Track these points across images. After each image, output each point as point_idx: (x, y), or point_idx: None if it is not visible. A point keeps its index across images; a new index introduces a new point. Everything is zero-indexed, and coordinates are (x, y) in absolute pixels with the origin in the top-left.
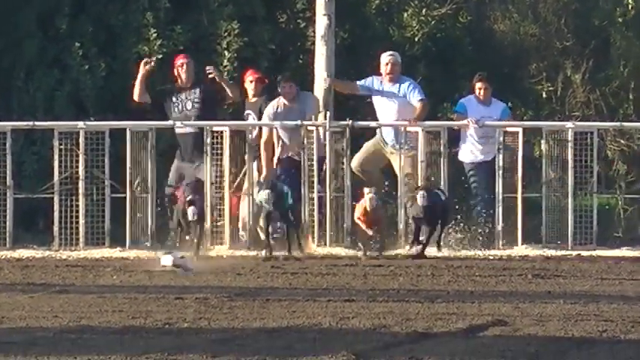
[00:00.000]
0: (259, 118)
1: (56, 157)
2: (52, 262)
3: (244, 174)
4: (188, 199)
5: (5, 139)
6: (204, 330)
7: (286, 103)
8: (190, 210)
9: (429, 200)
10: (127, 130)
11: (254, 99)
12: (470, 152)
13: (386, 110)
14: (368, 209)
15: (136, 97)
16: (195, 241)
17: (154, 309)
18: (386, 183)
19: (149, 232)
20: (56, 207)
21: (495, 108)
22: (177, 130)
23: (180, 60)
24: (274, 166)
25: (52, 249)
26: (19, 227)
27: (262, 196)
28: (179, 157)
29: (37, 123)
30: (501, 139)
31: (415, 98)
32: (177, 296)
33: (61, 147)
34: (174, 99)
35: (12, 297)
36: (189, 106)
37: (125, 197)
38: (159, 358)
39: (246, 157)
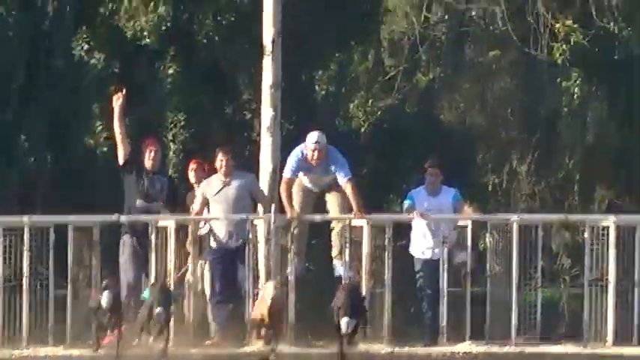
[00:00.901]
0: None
1: (0, 252)
2: None
3: (187, 269)
4: (103, 284)
5: None
6: None
7: (222, 178)
8: (105, 295)
9: (351, 323)
10: (69, 226)
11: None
12: (419, 246)
13: (311, 180)
14: (267, 299)
15: (121, 156)
16: (116, 337)
17: None
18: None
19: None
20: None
21: (445, 197)
22: (139, 204)
23: (151, 146)
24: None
25: None
26: None
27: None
28: (129, 245)
29: None
30: (446, 232)
31: (342, 179)
32: None
33: (5, 243)
34: (142, 173)
35: None
36: (157, 186)
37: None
38: None
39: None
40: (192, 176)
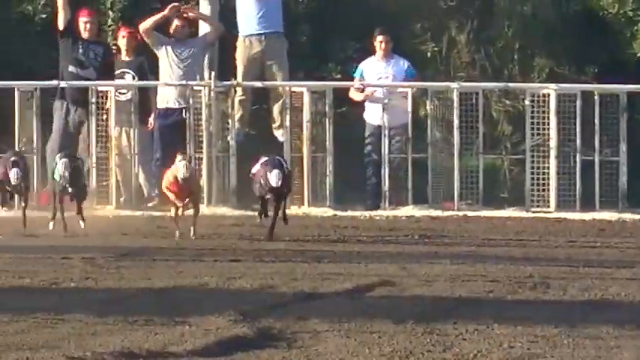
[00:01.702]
0: (140, 78)
1: None
2: None
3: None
4: (11, 159)
5: None
6: (91, 290)
7: (176, 43)
8: (13, 172)
9: (282, 179)
10: (16, 89)
11: (128, 57)
12: (371, 113)
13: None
14: (179, 178)
15: (61, 22)
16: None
17: (41, 269)
18: None
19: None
20: None
21: (396, 66)
22: (71, 69)
23: (85, 17)
24: None
25: None
26: None
27: (59, 166)
28: (60, 108)
29: None
30: (387, 100)
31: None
32: (64, 256)
33: None
34: (78, 41)
35: None
36: (91, 55)
37: None
38: (45, 318)
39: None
40: (123, 44)
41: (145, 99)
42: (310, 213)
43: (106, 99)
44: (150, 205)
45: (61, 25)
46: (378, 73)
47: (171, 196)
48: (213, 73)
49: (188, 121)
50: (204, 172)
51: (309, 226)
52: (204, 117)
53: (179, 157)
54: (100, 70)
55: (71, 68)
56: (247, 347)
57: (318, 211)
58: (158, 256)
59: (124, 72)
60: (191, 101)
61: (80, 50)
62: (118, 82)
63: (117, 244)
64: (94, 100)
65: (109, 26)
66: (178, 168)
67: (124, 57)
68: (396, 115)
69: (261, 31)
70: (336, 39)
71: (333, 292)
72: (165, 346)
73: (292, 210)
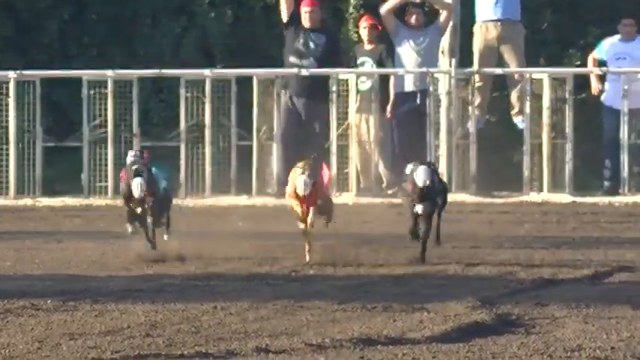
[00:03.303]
0: (379, 66)
1: (182, 104)
2: (177, 210)
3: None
4: (134, 168)
5: (132, 87)
6: (331, 277)
7: (415, 31)
8: (136, 182)
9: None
10: (254, 77)
11: (369, 46)
12: (611, 96)
13: None
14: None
15: (284, 14)
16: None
17: (281, 256)
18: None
19: (274, 180)
20: (182, 155)
21: (637, 47)
22: (292, 60)
23: (307, 7)
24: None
25: (178, 197)
26: None
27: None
28: (283, 101)
29: (163, 71)
30: (626, 85)
31: None
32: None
33: (188, 95)
34: (300, 31)
35: (140, 245)
36: (312, 45)
37: (251, 145)
38: (285, 305)
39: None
40: (364, 34)
41: (384, 87)
42: (549, 200)
43: (347, 86)
44: (390, 192)
45: (284, 18)
46: (616, 53)
47: (296, 205)
48: (453, 61)
49: (428, 109)
50: (443, 160)
51: (549, 213)
52: (443, 104)
53: (299, 170)
54: (321, 59)
55: (292, 59)
56: (486, 333)
57: (557, 198)
58: (398, 243)
59: (364, 61)
60: (431, 88)
61: (301, 41)
62: (359, 69)
63: (357, 232)
64: (334, 88)
65: (350, 14)
66: (297, 185)
67: (366, 46)
68: (636, 100)
69: (497, 18)
70: (577, 25)
71: (571, 279)
72: (403, 332)
73: (531, 197)
